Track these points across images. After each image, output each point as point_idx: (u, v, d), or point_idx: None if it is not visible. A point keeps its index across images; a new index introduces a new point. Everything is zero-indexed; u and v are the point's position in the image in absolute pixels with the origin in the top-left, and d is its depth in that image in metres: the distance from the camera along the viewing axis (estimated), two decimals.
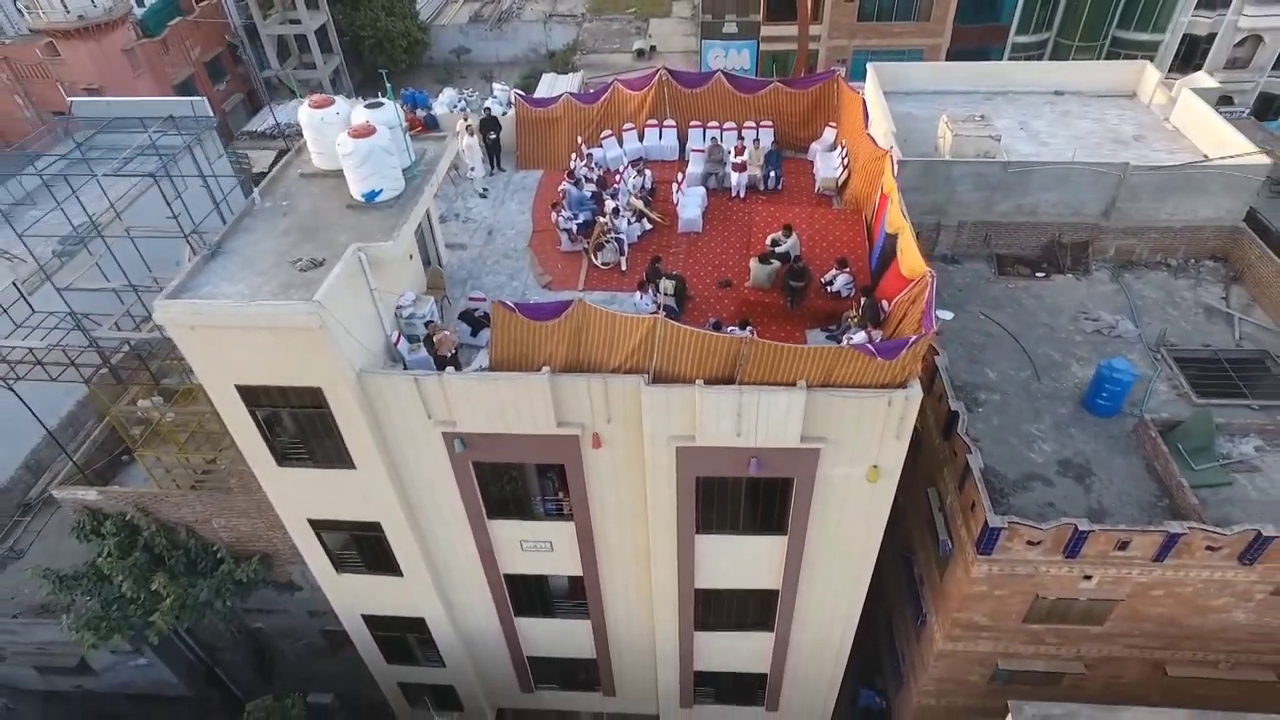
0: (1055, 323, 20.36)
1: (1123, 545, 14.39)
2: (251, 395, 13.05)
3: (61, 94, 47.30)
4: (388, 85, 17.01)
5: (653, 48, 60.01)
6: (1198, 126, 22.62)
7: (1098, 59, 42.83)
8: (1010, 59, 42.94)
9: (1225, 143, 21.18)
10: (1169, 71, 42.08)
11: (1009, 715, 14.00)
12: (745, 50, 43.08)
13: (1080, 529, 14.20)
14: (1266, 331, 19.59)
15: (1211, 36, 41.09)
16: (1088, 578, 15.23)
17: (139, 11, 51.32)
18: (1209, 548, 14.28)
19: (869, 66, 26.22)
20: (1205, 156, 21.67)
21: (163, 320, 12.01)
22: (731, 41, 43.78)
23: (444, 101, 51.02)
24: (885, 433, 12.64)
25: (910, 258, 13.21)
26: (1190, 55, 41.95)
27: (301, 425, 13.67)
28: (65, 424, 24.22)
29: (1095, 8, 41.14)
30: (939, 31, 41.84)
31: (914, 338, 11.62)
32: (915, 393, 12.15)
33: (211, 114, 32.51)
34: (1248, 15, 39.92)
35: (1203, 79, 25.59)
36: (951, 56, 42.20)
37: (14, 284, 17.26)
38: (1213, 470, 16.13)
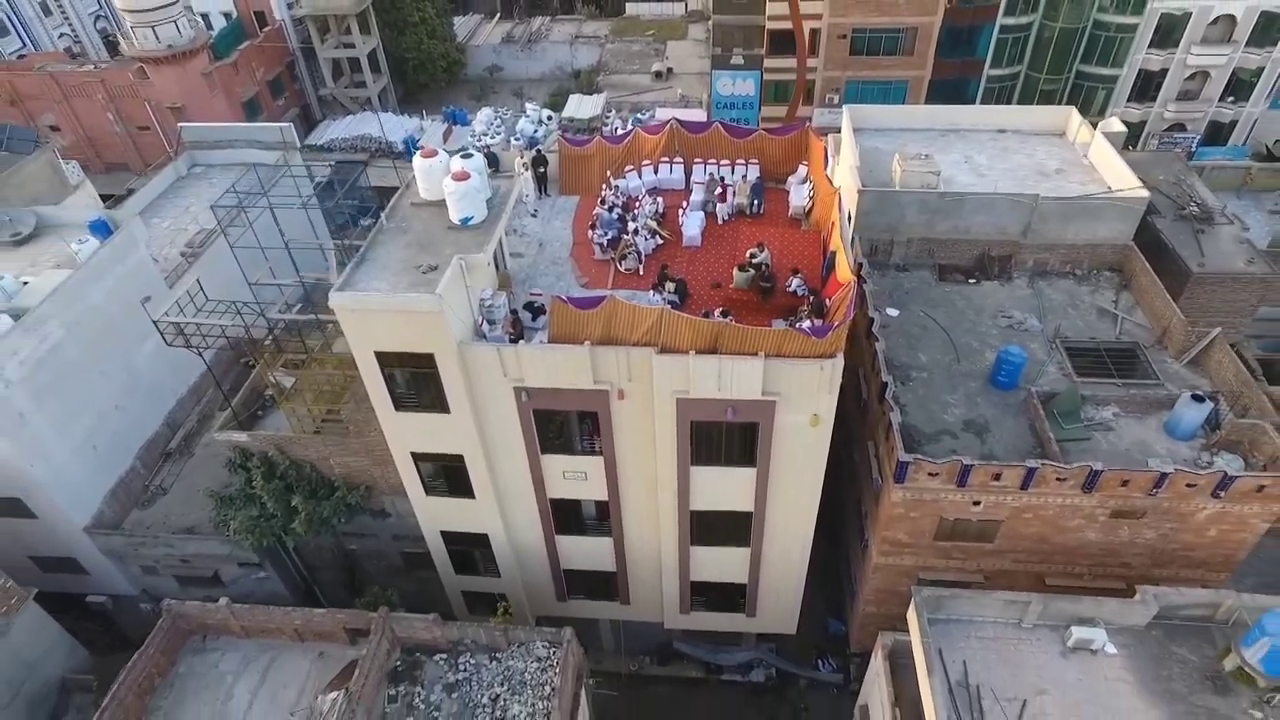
0: (979, 319, 25.97)
1: (996, 476, 20.02)
2: (384, 358, 18.95)
3: (148, 112, 53.90)
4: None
5: (669, 69, 65.61)
6: (1106, 163, 28.14)
7: (1063, 91, 48.23)
8: (985, 90, 48.40)
9: (1122, 177, 26.72)
10: (1126, 102, 47.46)
11: (913, 598, 19.65)
12: (750, 79, 48.71)
13: (965, 463, 19.85)
14: (1142, 328, 25.11)
15: (1164, 71, 46.28)
16: (976, 503, 20.87)
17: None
18: (1058, 479, 19.89)
19: (844, 108, 31.74)
20: (1109, 188, 27.24)
21: (334, 305, 17.92)
22: (738, 71, 49.45)
23: (482, 119, 57.35)
24: (820, 389, 18.32)
25: (842, 270, 18.89)
26: (1146, 88, 47.21)
27: (415, 381, 19.53)
28: (194, 388, 30.50)
29: (1060, 46, 46.47)
30: (921, 65, 47.27)
31: (836, 324, 17.33)
32: (839, 361, 17.83)
33: (296, 138, 38.52)
34: (1195, 54, 45.12)
35: (1115, 124, 31.04)
36: (932, 87, 47.67)
37: (197, 280, 23.17)
38: (1076, 429, 21.71)
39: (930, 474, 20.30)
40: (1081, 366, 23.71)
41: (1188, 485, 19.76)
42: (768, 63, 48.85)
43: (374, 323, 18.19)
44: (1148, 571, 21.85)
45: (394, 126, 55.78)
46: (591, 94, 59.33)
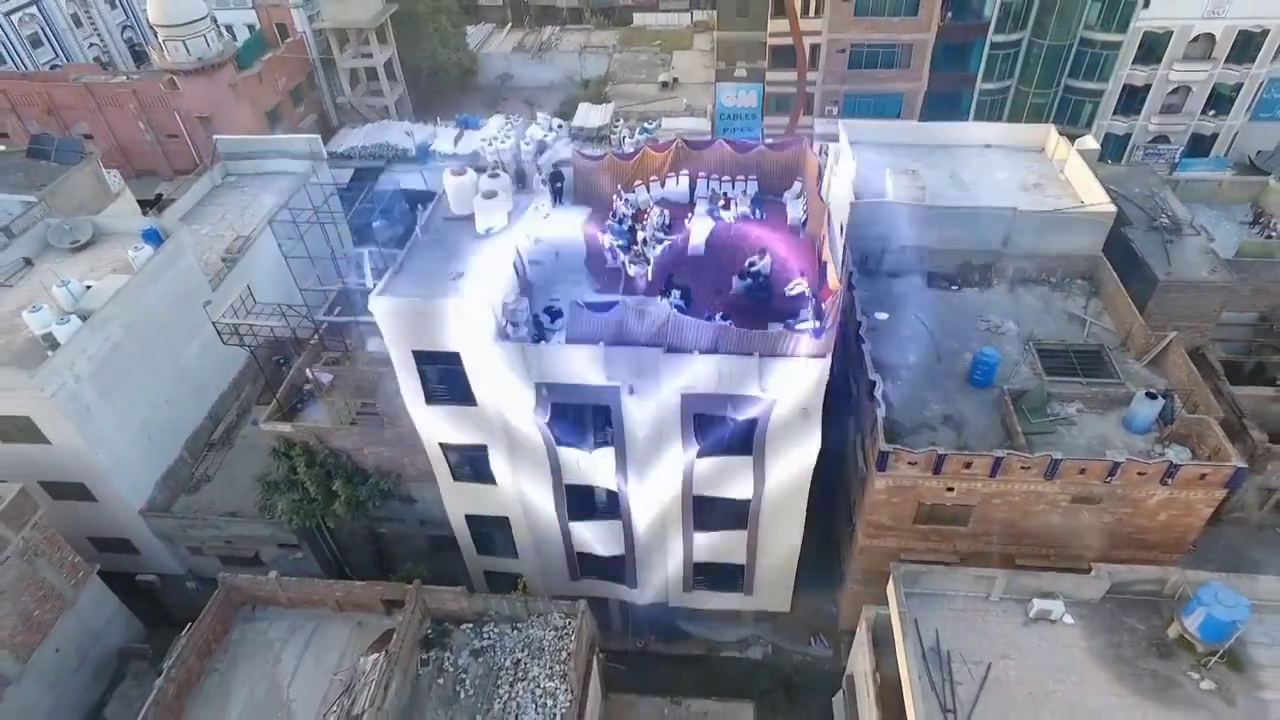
0: (961, 323, 28.20)
1: (968, 465, 22.28)
2: (420, 356, 21.30)
3: (177, 121, 56.45)
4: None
5: (675, 80, 67.98)
6: (1080, 179, 30.37)
7: (1052, 104, 50.43)
8: (979, 103, 50.61)
9: (1093, 193, 28.95)
10: (1113, 115, 49.63)
11: (892, 574, 21.91)
12: (753, 91, 50.94)
13: (940, 453, 22.12)
14: (1108, 332, 27.33)
15: (1148, 86, 48.44)
16: (950, 489, 23.12)
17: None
18: (1023, 467, 22.14)
19: (841, 124, 34.00)
20: (1082, 202, 29.46)
21: (375, 309, 20.27)
22: (741, 84, 51.71)
23: (493, 126, 59.52)
24: (810, 386, 20.58)
25: (830, 279, 21.17)
26: (1131, 101, 49.39)
27: (446, 376, 21.87)
28: (233, 384, 32.92)
29: (1048, 61, 48.68)
30: (917, 78, 49.51)
31: (824, 329, 19.61)
32: (826, 361, 20.09)
33: (324, 149, 40.93)
34: (1177, 70, 47.28)
35: (1089, 142, 33.19)
36: (928, 100, 49.90)
37: (247, 286, 25.54)
38: (1042, 424, 23.95)
39: (909, 463, 22.57)
40: (1051, 367, 25.93)
41: (1139, 474, 22.00)
42: (770, 76, 51.13)
43: (412, 324, 20.55)
44: (1107, 553, 24.03)
45: (408, 133, 58.37)
46: (600, 104, 61.64)
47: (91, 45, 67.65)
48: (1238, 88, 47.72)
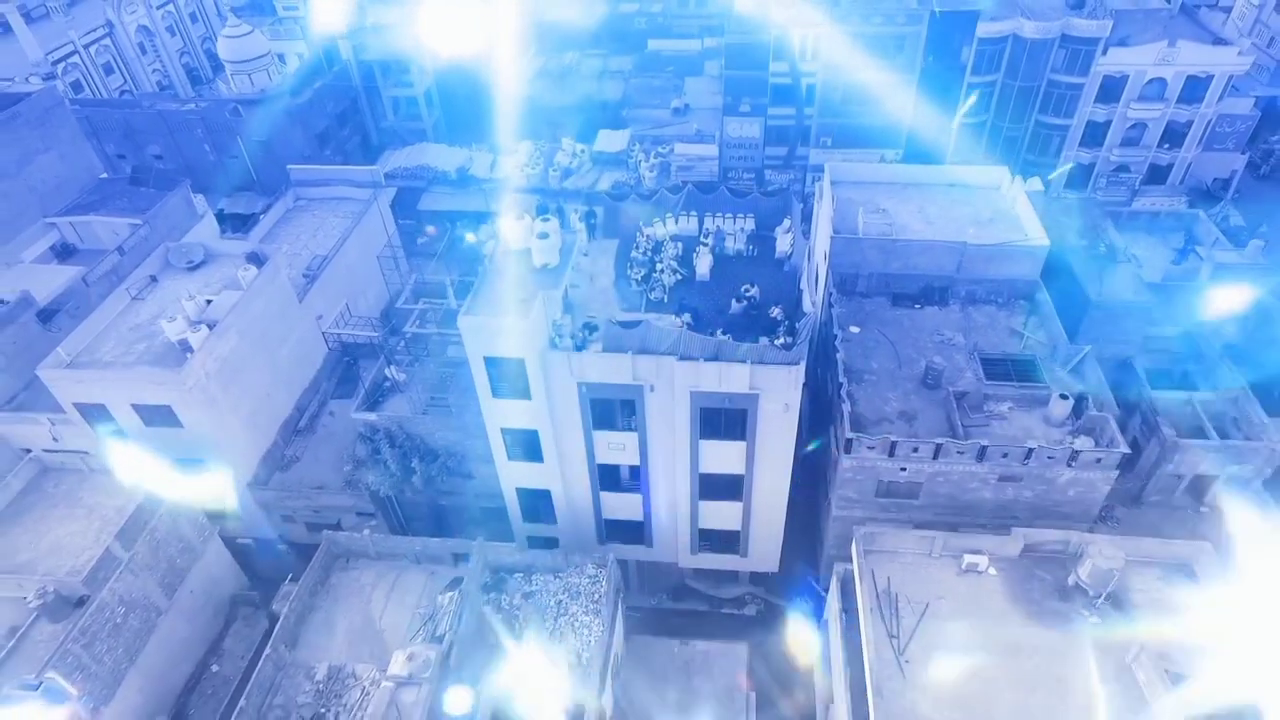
0: (920, 336, 34.24)
1: (915, 449, 28.37)
2: (490, 361, 27.53)
3: (239, 144, 62.91)
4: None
5: (686, 105, 73.98)
6: (1025, 215, 36.35)
7: (1025, 136, 56.34)
8: (958, 134, 56.45)
9: (1033, 228, 34.96)
10: (1079, 147, 55.53)
11: (854, 535, 28.03)
12: (755, 123, 57.10)
13: (892, 439, 28.22)
14: (1041, 345, 33.32)
15: (1109, 122, 54.29)
16: (903, 469, 29.21)
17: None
18: (958, 451, 28.22)
19: (826, 166, 40.07)
20: (1025, 235, 35.48)
21: (461, 325, 26.51)
22: (745, 117, 57.82)
23: (523, 152, 66.00)
24: (789, 386, 26.71)
25: (805, 303, 27.30)
26: (1095, 135, 55.23)
27: (508, 375, 28.07)
28: (314, 381, 39.25)
29: (1020, 100, 54.58)
30: (904, 112, 55.37)
31: (799, 340, 25.75)
32: (802, 367, 26.22)
33: (383, 180, 47.21)
34: (1134, 109, 53.12)
35: (1035, 184, 39.16)
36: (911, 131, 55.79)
37: (345, 304, 31.86)
38: (979, 418, 30.00)
39: (869, 448, 28.68)
40: (991, 373, 31.95)
41: (1049, 457, 28.05)
42: (771, 110, 57.16)
43: (488, 335, 26.78)
44: (1030, 522, 30.00)
45: (447, 156, 64.88)
46: (618, 130, 67.77)
47: (155, 70, 74.22)
48: (1189, 124, 53.50)
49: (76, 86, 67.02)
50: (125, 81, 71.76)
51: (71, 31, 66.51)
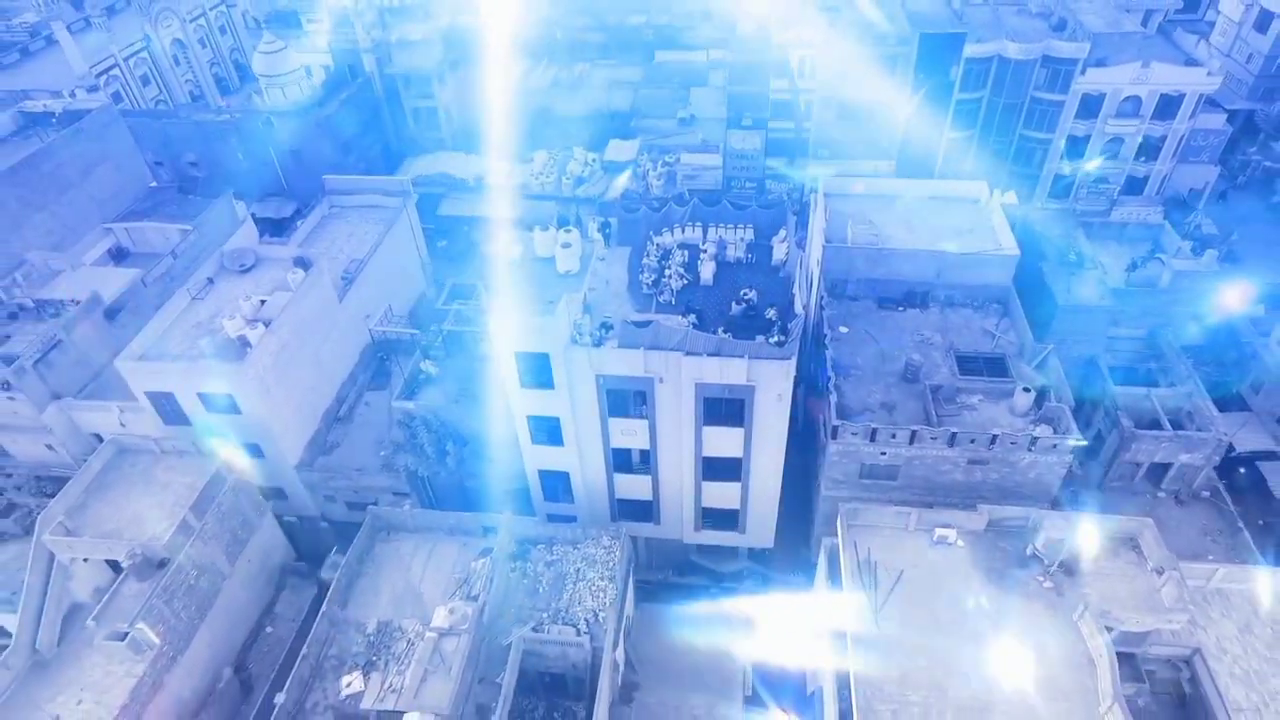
0: (902, 335, 37.93)
1: (893, 435, 32.08)
2: (519, 355, 31.29)
3: (271, 152, 66.84)
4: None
5: (692, 115, 77.66)
6: (999, 226, 40.03)
7: (1011, 149, 59.96)
8: (947, 147, 60.06)
9: (1006, 238, 38.63)
10: (1061, 159, 59.13)
11: (839, 512, 31.73)
12: (757, 136, 60.80)
13: (873, 426, 31.94)
14: (1011, 344, 36.99)
15: (1088, 136, 57.86)
16: (883, 453, 32.92)
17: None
18: (931, 438, 31.93)
19: (819, 179, 43.79)
20: (999, 244, 39.16)
21: (494, 324, 30.28)
22: (747, 130, 61.54)
23: (538, 162, 69.93)
24: (782, 379, 30.44)
25: (796, 306, 31.01)
26: (1075, 148, 58.77)
27: (534, 368, 31.83)
28: (352, 373, 43.07)
29: (1005, 115, 58.21)
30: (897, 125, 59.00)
31: (791, 338, 29.48)
32: (794, 362, 29.92)
33: (412, 190, 50.92)
34: (1111, 124, 56.69)
35: (1010, 198, 42.84)
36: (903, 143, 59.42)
37: (389, 306, 35.65)
38: (953, 409, 33.70)
39: (853, 434, 32.41)
40: (964, 368, 35.65)
41: (1011, 443, 31.74)
42: (771, 124, 60.87)
43: (516, 334, 30.54)
44: (998, 501, 33.68)
45: (465, 164, 68.72)
46: (627, 139, 71.47)
47: (187, 80, 78.14)
48: (1163, 139, 57.06)
49: (116, 97, 70.84)
50: (160, 92, 75.67)
51: (112, 46, 70.42)
